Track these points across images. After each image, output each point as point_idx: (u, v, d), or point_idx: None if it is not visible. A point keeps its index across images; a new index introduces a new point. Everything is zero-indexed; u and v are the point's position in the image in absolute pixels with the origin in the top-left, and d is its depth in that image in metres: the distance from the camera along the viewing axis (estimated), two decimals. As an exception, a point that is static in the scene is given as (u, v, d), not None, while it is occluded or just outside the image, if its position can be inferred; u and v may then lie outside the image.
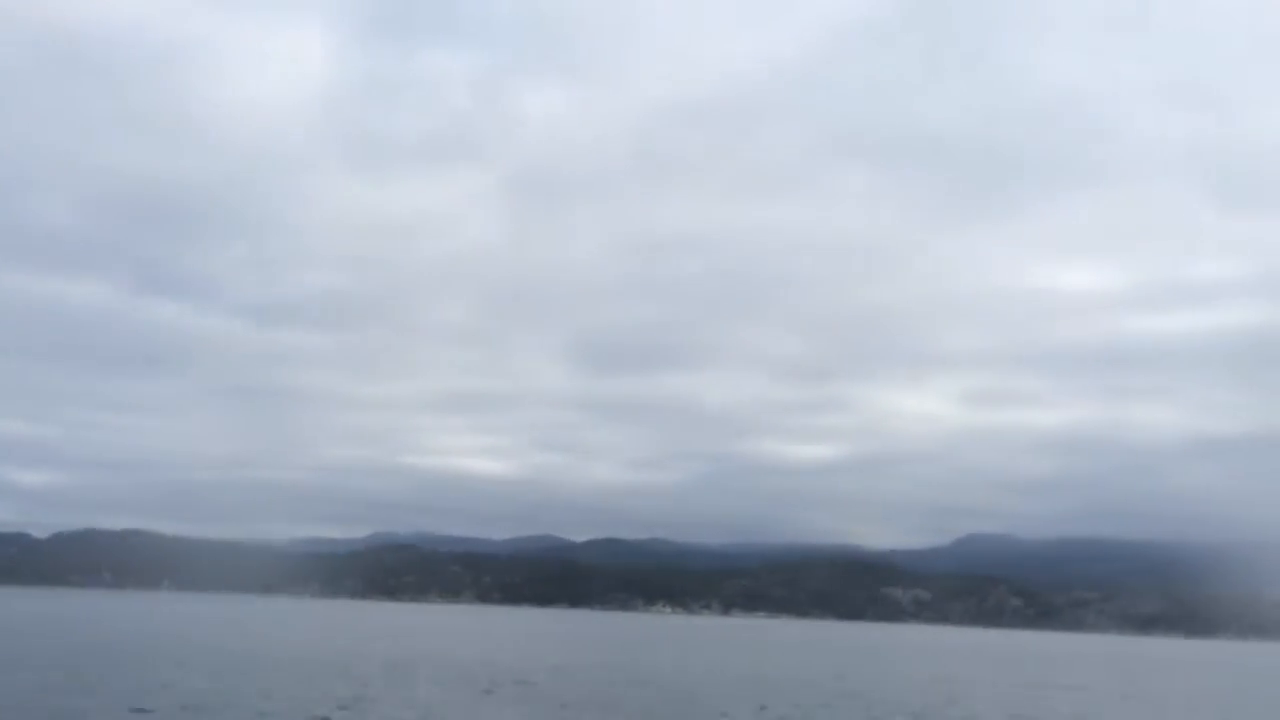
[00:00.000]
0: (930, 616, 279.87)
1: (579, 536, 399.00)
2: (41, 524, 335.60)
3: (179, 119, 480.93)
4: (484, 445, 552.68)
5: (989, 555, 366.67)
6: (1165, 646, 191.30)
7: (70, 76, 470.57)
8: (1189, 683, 77.31)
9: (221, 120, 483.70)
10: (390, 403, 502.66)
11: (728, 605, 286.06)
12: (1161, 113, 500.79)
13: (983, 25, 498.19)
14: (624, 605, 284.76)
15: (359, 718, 31.58)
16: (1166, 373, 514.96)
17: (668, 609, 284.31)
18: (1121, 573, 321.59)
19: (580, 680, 49.48)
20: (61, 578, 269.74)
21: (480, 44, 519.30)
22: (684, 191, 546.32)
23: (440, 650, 71.05)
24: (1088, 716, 45.26)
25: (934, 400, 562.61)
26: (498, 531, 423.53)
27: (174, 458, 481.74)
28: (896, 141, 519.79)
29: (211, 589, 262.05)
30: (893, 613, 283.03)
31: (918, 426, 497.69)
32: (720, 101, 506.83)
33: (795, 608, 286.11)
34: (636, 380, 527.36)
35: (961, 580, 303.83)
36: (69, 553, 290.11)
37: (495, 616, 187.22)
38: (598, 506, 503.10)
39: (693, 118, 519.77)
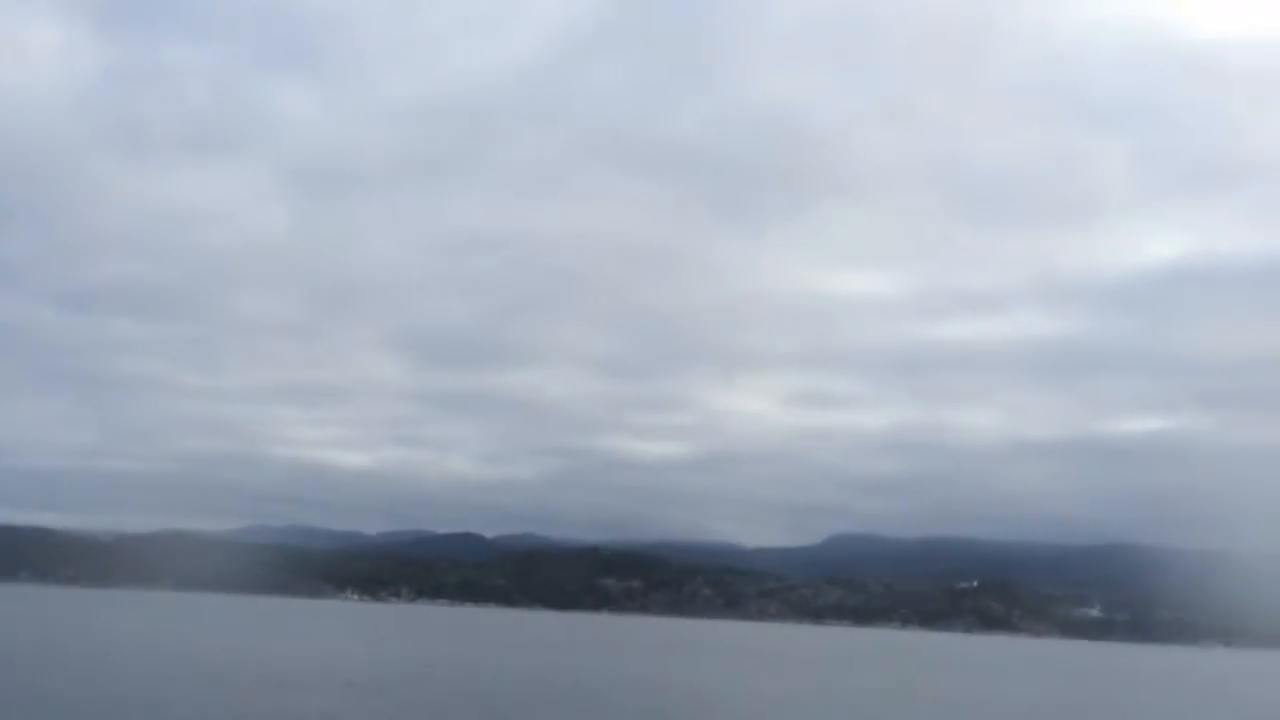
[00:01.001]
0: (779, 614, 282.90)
1: (442, 529, 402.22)
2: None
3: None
4: (336, 438, 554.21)
5: (860, 554, 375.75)
6: (1010, 646, 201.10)
7: None
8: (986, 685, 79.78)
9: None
10: (229, 394, 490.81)
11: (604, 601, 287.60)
12: (888, 131, 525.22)
13: (704, 35, 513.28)
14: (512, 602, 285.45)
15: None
16: (969, 378, 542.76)
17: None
18: (973, 573, 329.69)
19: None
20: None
21: (221, 39, 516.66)
22: (460, 191, 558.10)
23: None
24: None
25: (761, 400, 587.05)
26: (369, 525, 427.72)
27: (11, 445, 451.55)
28: (647, 147, 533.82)
29: (73, 582, 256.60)
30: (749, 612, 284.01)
31: (755, 426, 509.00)
32: (464, 103, 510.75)
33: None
34: (470, 376, 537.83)
35: (831, 578, 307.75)
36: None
37: (364, 613, 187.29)
38: (463, 501, 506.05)
39: (441, 118, 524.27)
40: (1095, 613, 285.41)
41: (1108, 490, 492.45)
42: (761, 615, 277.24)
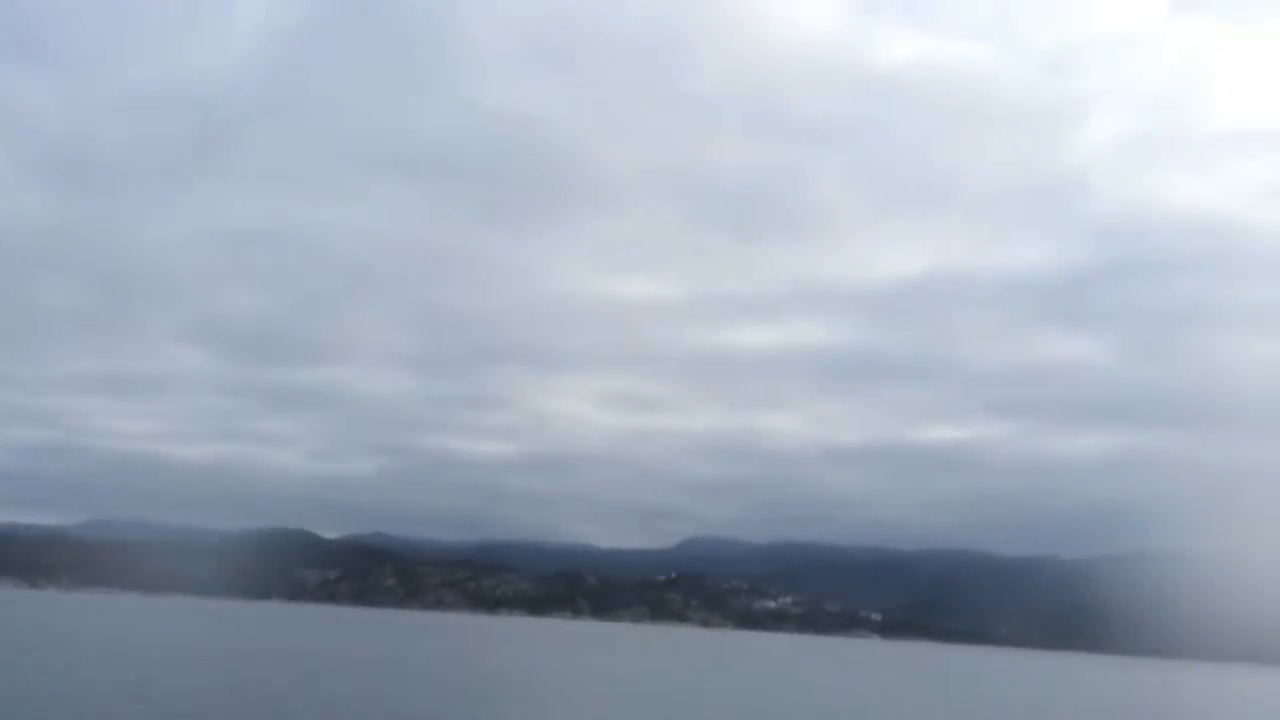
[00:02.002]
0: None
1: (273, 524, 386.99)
2: None
3: None
4: (162, 431, 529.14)
5: (713, 558, 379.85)
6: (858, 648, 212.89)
7: None
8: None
9: None
10: (41, 384, 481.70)
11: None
12: (616, 142, 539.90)
13: (425, 38, 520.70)
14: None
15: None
16: (767, 383, 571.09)
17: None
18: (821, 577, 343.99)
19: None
20: None
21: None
22: (216, 185, 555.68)
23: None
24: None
25: (578, 402, 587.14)
26: (214, 520, 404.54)
27: None
28: (387, 149, 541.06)
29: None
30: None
31: (577, 427, 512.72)
32: (195, 97, 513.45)
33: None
34: (284, 371, 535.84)
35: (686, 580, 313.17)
36: None
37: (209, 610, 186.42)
38: (304, 496, 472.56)
39: (175, 111, 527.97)
40: (773, 605, 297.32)
41: (923, 495, 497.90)
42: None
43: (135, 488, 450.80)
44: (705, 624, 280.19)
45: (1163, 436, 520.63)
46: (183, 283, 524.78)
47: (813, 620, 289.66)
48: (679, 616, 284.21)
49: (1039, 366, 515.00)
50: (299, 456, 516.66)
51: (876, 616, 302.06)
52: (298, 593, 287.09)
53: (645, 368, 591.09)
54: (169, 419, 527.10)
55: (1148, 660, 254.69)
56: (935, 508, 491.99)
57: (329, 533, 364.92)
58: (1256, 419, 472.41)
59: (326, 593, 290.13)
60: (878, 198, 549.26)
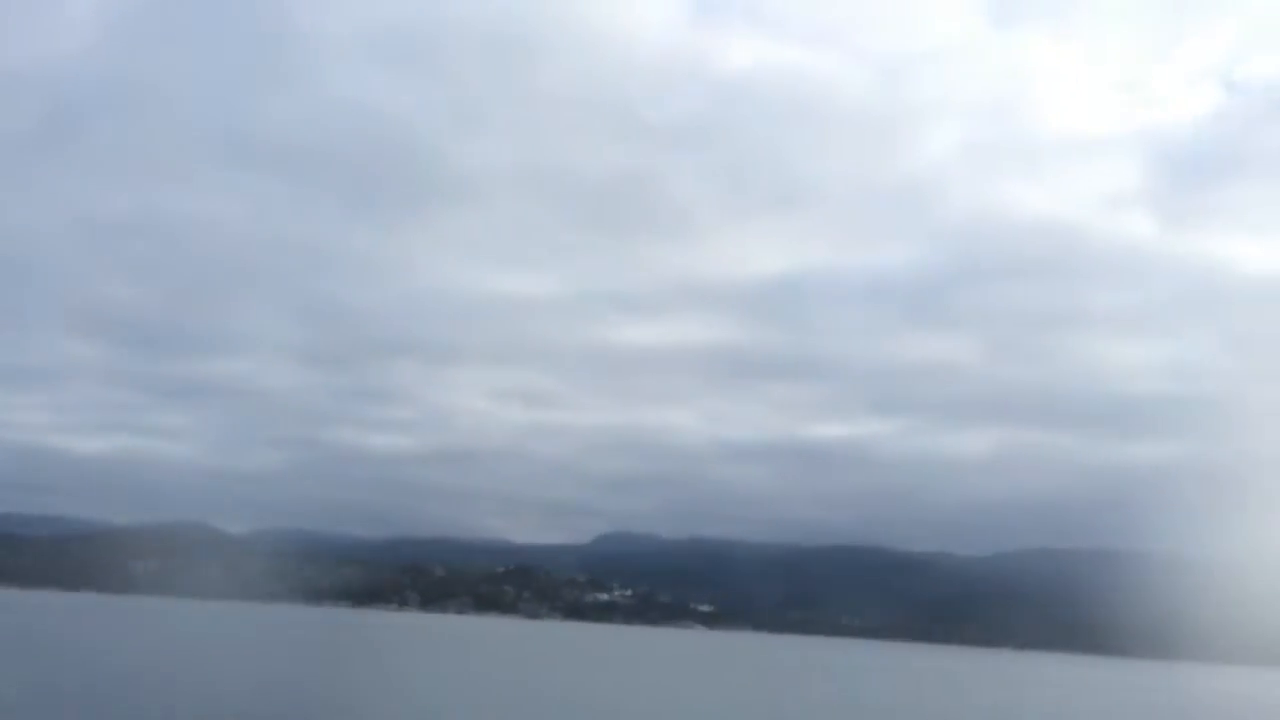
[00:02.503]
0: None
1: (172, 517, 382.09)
2: None
3: None
4: (50, 423, 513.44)
5: (630, 553, 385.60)
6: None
7: None
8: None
9: None
10: None
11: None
12: (474, 138, 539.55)
13: (273, 33, 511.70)
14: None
15: None
16: (659, 379, 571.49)
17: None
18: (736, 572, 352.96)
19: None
20: None
21: None
22: (72, 171, 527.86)
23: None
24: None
25: (476, 396, 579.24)
26: (108, 513, 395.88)
27: None
28: (245, 142, 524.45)
29: None
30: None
31: (479, 422, 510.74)
32: (35, 80, 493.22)
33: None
34: (174, 362, 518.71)
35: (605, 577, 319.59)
36: None
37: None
38: (204, 490, 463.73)
39: (14, 94, 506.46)
40: (604, 597, 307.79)
41: (823, 491, 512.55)
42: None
43: (27, 481, 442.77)
44: (534, 616, 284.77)
45: (1039, 435, 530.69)
46: (52, 272, 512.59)
47: (640, 612, 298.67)
48: (510, 609, 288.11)
49: (914, 365, 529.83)
50: (196, 450, 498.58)
51: (706, 608, 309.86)
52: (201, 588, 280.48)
53: (536, 363, 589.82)
54: (56, 411, 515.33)
55: (1030, 654, 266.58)
56: (836, 504, 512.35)
57: (234, 527, 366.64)
58: (1120, 418, 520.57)
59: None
60: (736, 199, 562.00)
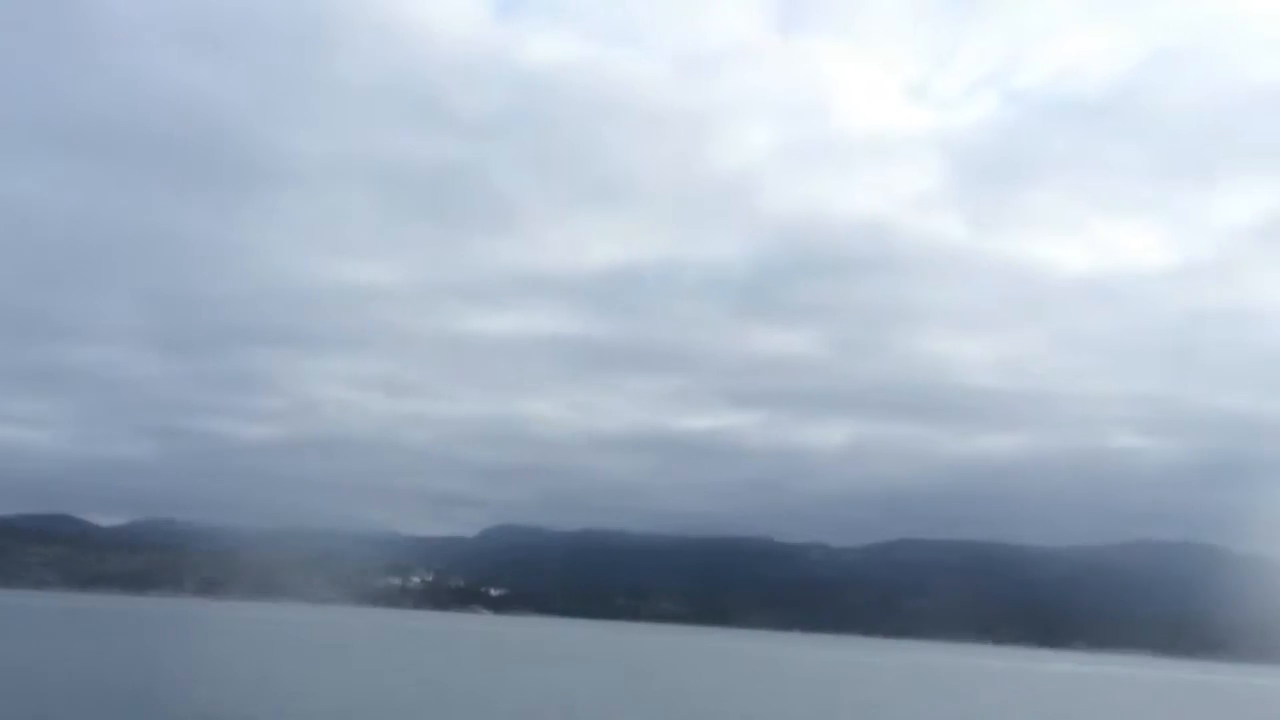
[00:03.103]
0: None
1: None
2: None
3: None
4: None
5: (521, 545, 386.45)
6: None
7: None
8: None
9: None
10: None
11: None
12: (284, 125, 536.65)
13: (65, 16, 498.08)
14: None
15: None
16: (519, 370, 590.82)
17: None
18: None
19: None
20: None
21: None
22: None
23: None
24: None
25: (339, 386, 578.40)
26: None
27: None
28: (61, 125, 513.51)
29: None
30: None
31: (345, 411, 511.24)
32: None
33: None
34: (22, 350, 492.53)
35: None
36: None
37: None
38: (68, 480, 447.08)
39: None
40: (397, 581, 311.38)
41: (700, 482, 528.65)
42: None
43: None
44: (320, 601, 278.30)
45: (893, 427, 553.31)
46: None
47: (432, 596, 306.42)
48: (296, 594, 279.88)
49: (764, 358, 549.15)
50: (57, 439, 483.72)
51: (496, 593, 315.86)
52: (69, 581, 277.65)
53: (394, 352, 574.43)
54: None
55: (897, 641, 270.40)
56: (716, 495, 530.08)
57: (103, 519, 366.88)
58: (965, 411, 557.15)
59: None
60: (558, 192, 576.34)
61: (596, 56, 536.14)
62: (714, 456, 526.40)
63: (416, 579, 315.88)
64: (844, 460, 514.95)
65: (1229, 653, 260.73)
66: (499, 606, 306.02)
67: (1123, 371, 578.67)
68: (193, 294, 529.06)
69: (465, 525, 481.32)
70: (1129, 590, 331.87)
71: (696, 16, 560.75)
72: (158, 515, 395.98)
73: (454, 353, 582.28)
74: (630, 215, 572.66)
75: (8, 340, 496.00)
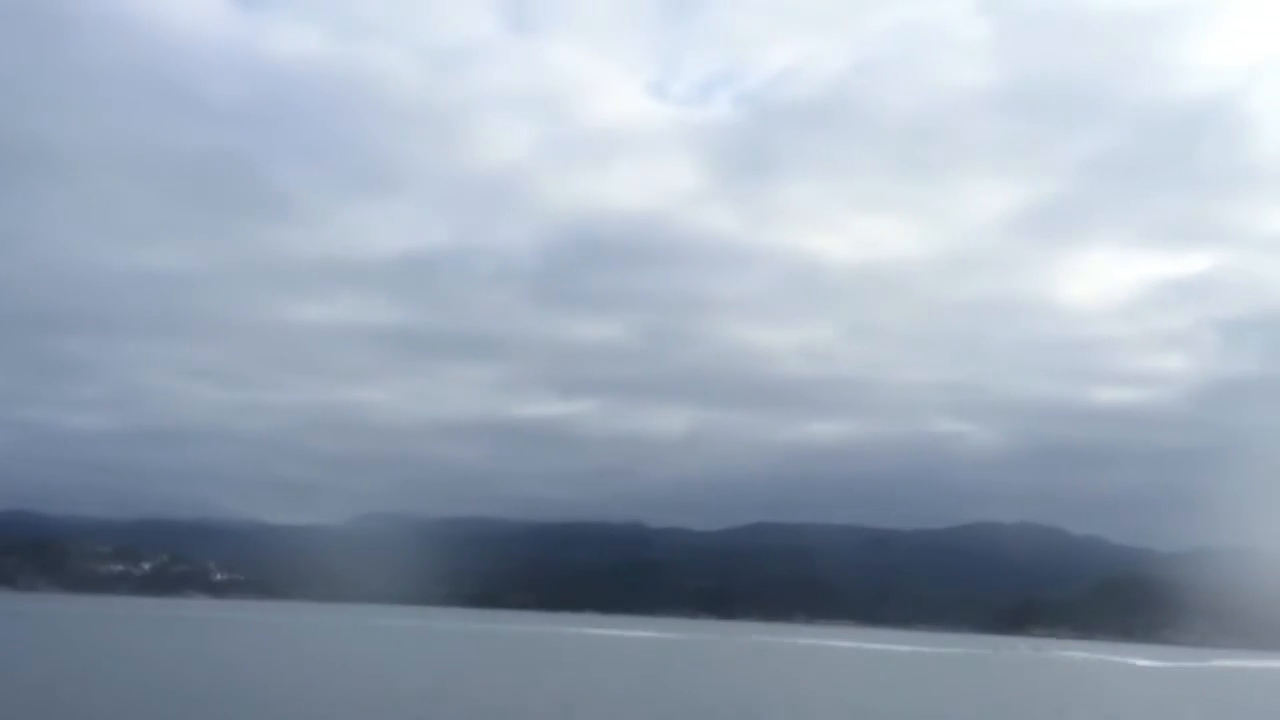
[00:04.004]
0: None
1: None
2: None
3: None
4: None
5: (393, 533, 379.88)
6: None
7: None
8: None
9: None
10: None
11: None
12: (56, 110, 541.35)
13: None
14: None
15: None
16: (348, 358, 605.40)
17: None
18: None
19: None
20: None
21: None
22: None
23: None
24: None
25: (167, 375, 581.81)
26: None
27: None
28: None
29: None
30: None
31: (177, 401, 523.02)
32: None
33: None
34: None
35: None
36: None
37: None
38: None
39: None
40: (119, 568, 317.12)
41: (549, 469, 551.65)
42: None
43: None
44: (29, 589, 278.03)
45: (727, 414, 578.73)
46: None
47: (156, 582, 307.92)
48: (9, 582, 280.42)
49: (582, 347, 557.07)
50: None
51: (220, 577, 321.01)
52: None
53: (213, 340, 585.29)
54: None
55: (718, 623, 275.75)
56: (567, 482, 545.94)
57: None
58: (790, 398, 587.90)
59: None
60: (328, 181, 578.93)
61: (341, 50, 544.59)
62: (563, 444, 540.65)
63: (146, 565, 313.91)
64: (684, 446, 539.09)
65: (1073, 630, 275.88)
66: (221, 591, 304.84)
67: (919, 360, 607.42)
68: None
69: (336, 514, 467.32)
70: (973, 570, 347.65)
71: (432, 14, 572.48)
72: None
73: (275, 341, 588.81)
74: (406, 205, 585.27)
75: None
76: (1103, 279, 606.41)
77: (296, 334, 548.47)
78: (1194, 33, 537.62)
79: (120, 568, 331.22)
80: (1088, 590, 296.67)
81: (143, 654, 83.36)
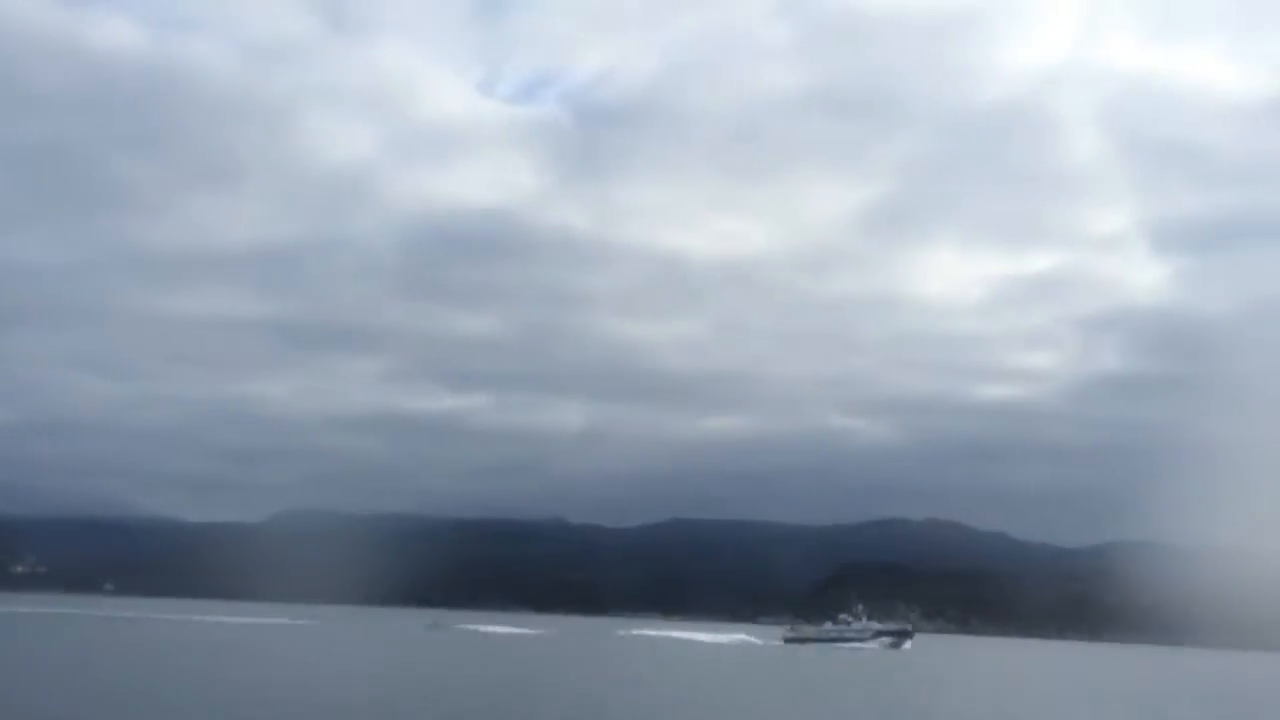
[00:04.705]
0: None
1: None
2: None
3: None
4: None
5: (313, 530, 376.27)
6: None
7: None
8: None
9: None
10: None
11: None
12: None
13: None
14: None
15: None
16: (230, 350, 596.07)
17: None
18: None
19: None
20: None
21: None
22: None
23: None
24: None
25: (42, 367, 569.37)
26: None
27: None
28: None
29: None
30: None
31: (60, 394, 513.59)
32: None
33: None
34: None
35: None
36: None
37: None
38: None
39: None
40: (19, 569, 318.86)
41: (452, 464, 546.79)
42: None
43: None
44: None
45: (620, 410, 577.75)
46: None
47: (53, 581, 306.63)
48: None
49: (463, 340, 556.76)
50: None
51: (109, 587, 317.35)
52: None
53: (96, 332, 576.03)
54: None
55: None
56: (478, 477, 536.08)
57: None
58: (680, 393, 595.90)
59: None
60: (169, 173, 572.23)
61: (160, 43, 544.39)
62: (463, 438, 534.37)
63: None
64: (587, 443, 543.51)
65: (987, 625, 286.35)
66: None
67: (796, 356, 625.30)
68: None
69: (253, 510, 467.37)
70: (885, 565, 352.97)
71: (251, 12, 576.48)
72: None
73: (154, 333, 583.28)
74: (251, 198, 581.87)
75: None
76: (955, 277, 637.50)
77: (173, 326, 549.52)
78: (993, 37, 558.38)
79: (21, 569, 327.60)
80: (998, 585, 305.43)
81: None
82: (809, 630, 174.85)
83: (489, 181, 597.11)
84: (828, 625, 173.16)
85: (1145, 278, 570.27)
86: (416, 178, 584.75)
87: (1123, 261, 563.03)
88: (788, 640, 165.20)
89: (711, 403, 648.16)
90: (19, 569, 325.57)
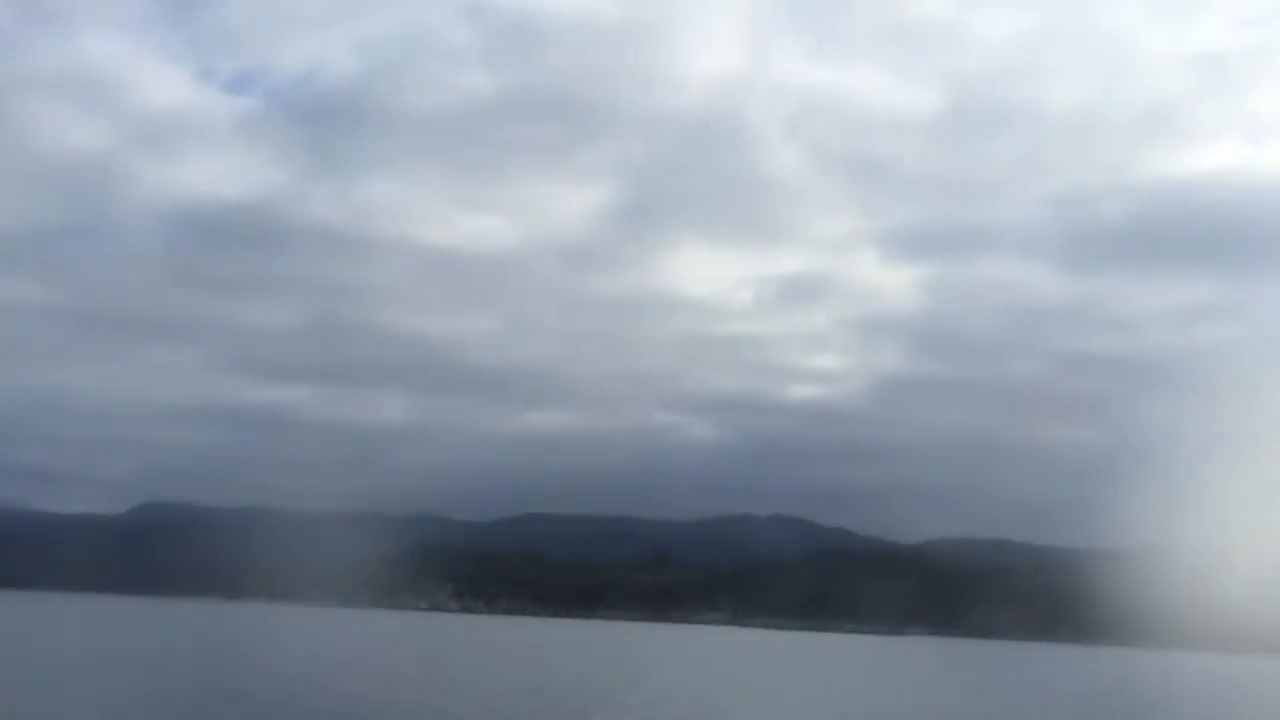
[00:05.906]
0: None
1: None
2: None
3: None
4: None
5: (179, 522, 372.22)
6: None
7: None
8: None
9: None
10: None
11: None
12: None
13: None
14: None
15: None
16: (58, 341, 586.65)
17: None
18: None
19: None
20: None
21: None
22: None
23: None
24: None
25: None
26: None
27: None
28: None
29: None
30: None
31: None
32: None
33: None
34: None
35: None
36: None
37: None
38: None
39: None
40: None
41: (303, 457, 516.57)
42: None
43: None
44: None
45: (440, 403, 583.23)
46: None
47: None
48: None
49: (259, 330, 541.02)
50: None
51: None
52: None
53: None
54: None
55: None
56: (329, 470, 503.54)
57: None
58: (496, 389, 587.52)
59: None
60: None
61: None
62: (296, 430, 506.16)
63: None
64: (411, 435, 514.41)
65: (841, 621, 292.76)
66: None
67: (590, 354, 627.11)
68: None
69: (115, 502, 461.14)
70: (733, 560, 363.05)
71: None
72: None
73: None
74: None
75: None
76: (718, 277, 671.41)
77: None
78: (677, 48, 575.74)
79: None
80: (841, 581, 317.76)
81: None
82: None
83: (233, 174, 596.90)
84: None
85: (891, 282, 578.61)
86: (159, 168, 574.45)
87: (867, 267, 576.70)
88: None
89: (529, 398, 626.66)
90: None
